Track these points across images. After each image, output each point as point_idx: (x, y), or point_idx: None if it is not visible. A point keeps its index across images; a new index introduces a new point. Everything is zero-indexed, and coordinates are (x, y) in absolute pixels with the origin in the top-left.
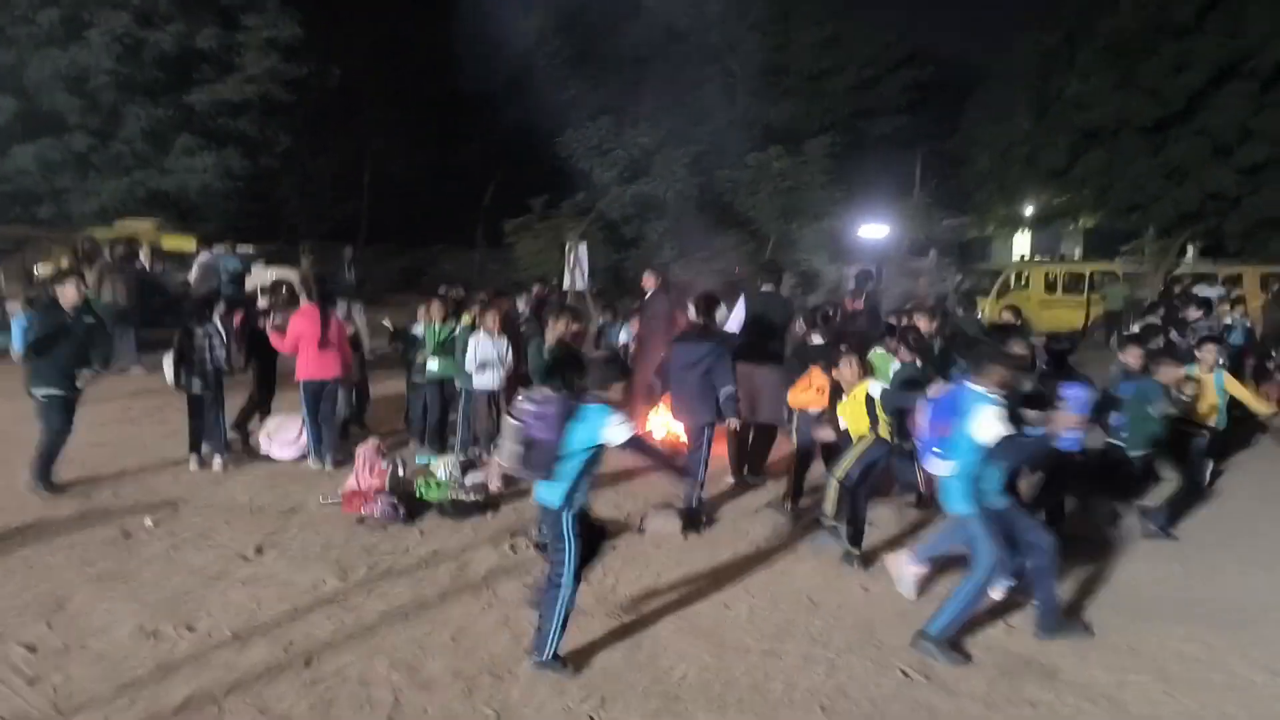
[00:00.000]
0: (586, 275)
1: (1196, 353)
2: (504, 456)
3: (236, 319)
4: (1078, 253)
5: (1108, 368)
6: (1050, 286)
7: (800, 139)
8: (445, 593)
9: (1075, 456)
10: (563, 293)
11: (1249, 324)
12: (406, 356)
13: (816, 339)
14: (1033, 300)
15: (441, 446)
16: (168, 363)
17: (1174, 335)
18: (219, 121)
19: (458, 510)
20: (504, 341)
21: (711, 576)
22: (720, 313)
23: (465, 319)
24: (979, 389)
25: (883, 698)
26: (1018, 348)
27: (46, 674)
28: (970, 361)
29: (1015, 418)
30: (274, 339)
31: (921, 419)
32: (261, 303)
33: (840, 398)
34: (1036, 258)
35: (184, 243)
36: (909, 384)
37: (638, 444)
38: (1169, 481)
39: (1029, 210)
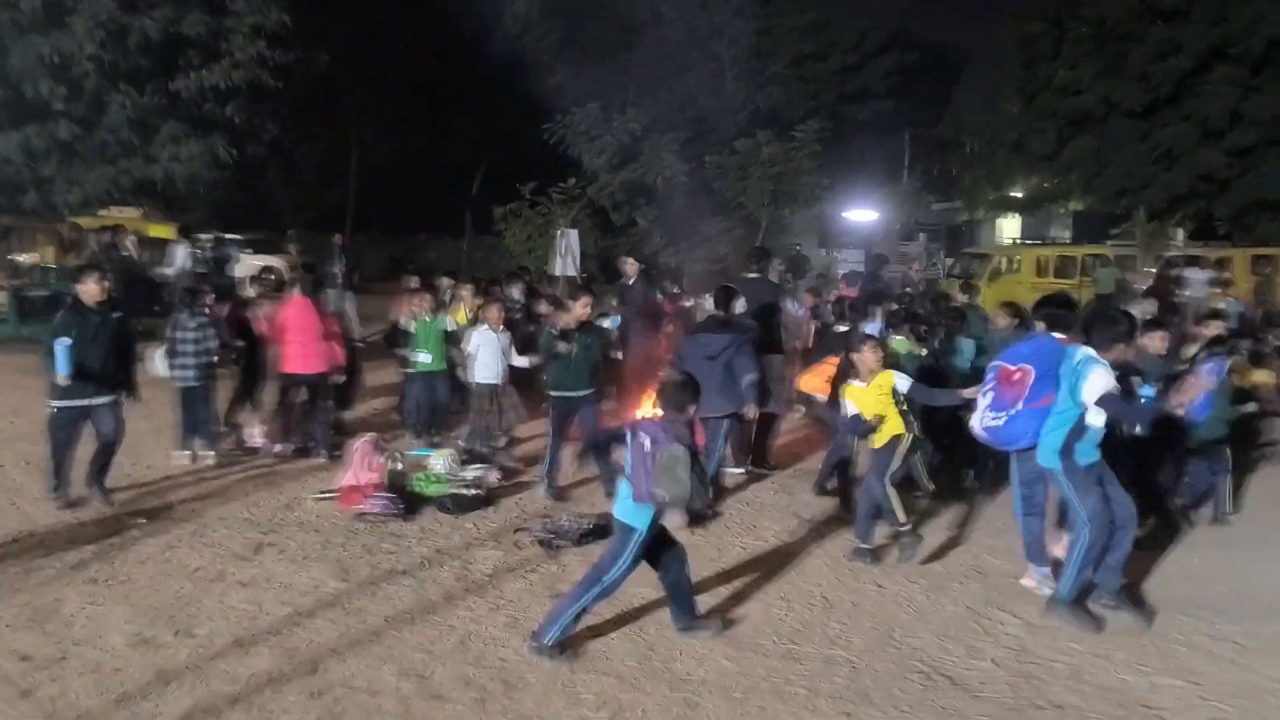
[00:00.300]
0: (578, 262)
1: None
2: (673, 499)
3: (226, 308)
4: (1067, 236)
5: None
6: (1041, 270)
7: (787, 124)
8: (450, 594)
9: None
10: (553, 280)
11: (1241, 307)
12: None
13: (842, 327)
14: (1024, 284)
15: (431, 438)
16: (158, 355)
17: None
18: (205, 109)
19: (458, 505)
20: (506, 335)
21: (722, 574)
22: (738, 304)
23: (460, 312)
24: (1088, 351)
25: (907, 703)
26: None
27: (40, 685)
28: (1096, 332)
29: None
30: (261, 328)
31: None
32: (250, 291)
33: (846, 380)
34: (1026, 241)
35: (171, 232)
36: (925, 374)
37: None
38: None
39: (1018, 194)
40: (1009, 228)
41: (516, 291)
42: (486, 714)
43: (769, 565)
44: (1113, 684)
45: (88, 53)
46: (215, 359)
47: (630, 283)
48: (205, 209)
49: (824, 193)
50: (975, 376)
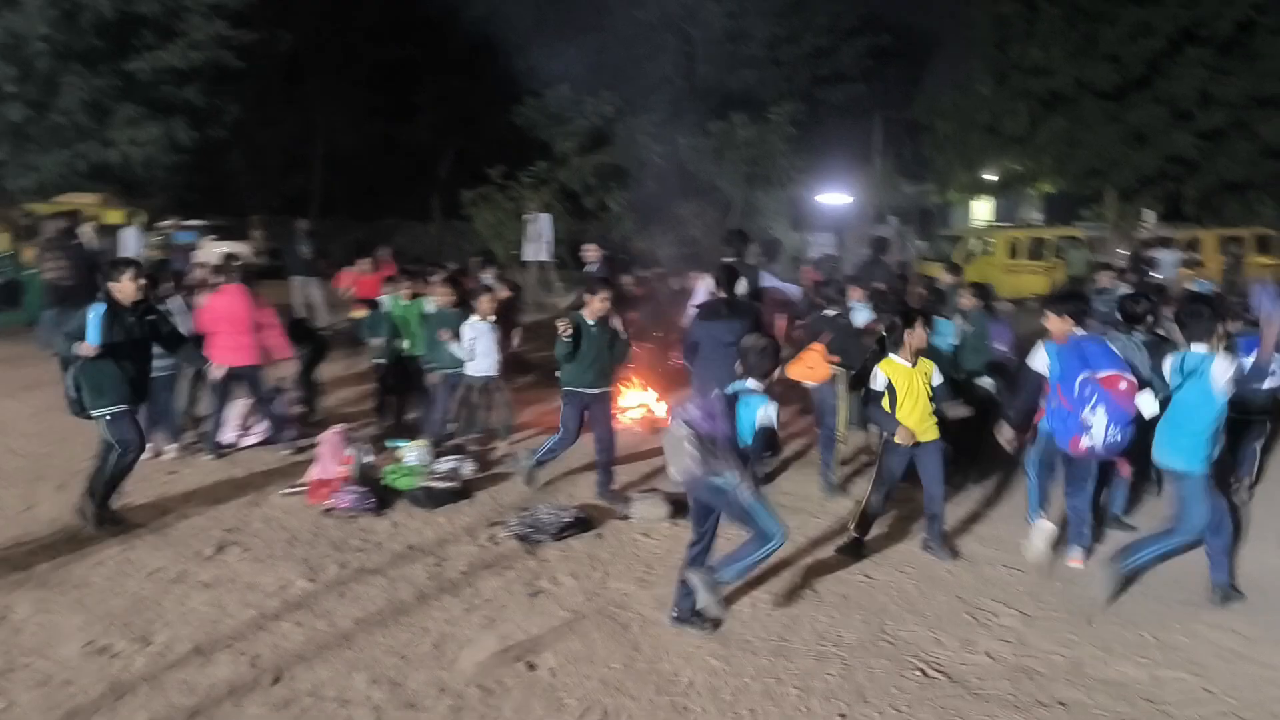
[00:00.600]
0: (550, 247)
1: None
2: (679, 470)
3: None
4: (1037, 217)
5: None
6: (1014, 252)
7: (760, 107)
8: (423, 593)
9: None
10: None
11: (1215, 288)
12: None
13: (831, 311)
14: (997, 266)
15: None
16: None
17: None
18: (163, 91)
19: (431, 499)
20: (495, 327)
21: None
22: (740, 285)
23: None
24: (1200, 348)
25: (905, 702)
26: None
27: None
28: (1193, 324)
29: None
30: (195, 319)
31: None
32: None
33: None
34: (998, 224)
35: (135, 218)
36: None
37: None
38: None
39: (990, 176)
40: (982, 210)
41: (488, 277)
42: None
43: None
44: (1114, 677)
45: (39, 32)
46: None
47: (594, 269)
48: (165, 194)
49: (797, 175)
50: (957, 356)
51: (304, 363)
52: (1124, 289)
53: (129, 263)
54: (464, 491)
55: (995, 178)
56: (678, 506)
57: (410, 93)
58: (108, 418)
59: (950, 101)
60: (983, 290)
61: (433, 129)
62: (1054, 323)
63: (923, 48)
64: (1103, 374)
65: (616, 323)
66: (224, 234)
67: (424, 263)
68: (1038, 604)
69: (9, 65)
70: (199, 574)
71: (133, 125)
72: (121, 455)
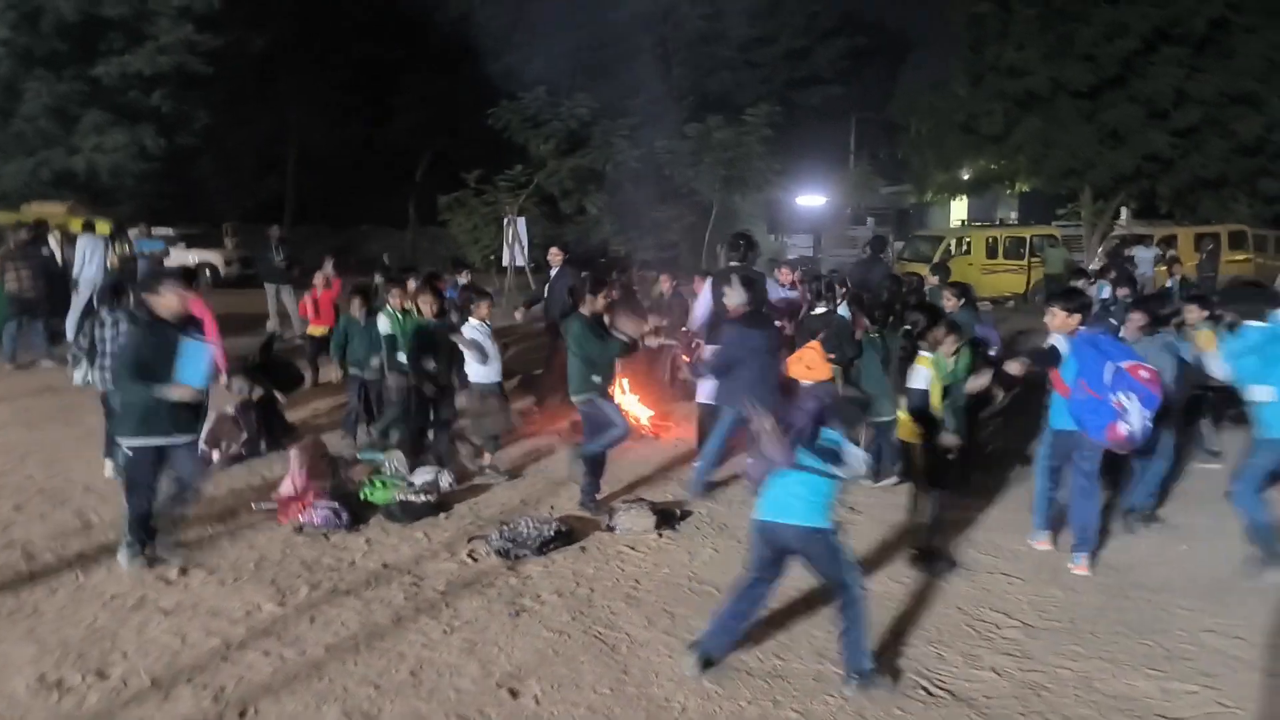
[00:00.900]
0: (525, 251)
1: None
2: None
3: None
4: (1013, 217)
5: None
6: (991, 252)
7: (736, 109)
8: (400, 616)
9: None
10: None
11: (1194, 285)
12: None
13: (820, 309)
14: (975, 265)
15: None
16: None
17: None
18: (130, 96)
19: (407, 513)
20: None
21: (695, 579)
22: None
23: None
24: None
25: None
26: None
27: None
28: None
29: None
30: None
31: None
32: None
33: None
34: (974, 223)
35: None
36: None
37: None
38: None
39: (966, 176)
40: (959, 210)
41: (464, 280)
42: None
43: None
44: (1124, 691)
45: None
46: None
47: (554, 272)
48: (134, 201)
49: (774, 177)
50: None
51: (258, 404)
52: (1106, 289)
53: (171, 274)
54: (442, 504)
55: (970, 177)
56: (663, 517)
57: (387, 94)
58: (130, 451)
59: (927, 102)
60: (964, 290)
61: (409, 131)
62: (1060, 319)
63: (899, 49)
64: (1125, 364)
65: (625, 324)
66: (195, 242)
67: (403, 269)
68: (1040, 614)
69: None
70: (160, 600)
71: (99, 132)
72: (145, 492)
